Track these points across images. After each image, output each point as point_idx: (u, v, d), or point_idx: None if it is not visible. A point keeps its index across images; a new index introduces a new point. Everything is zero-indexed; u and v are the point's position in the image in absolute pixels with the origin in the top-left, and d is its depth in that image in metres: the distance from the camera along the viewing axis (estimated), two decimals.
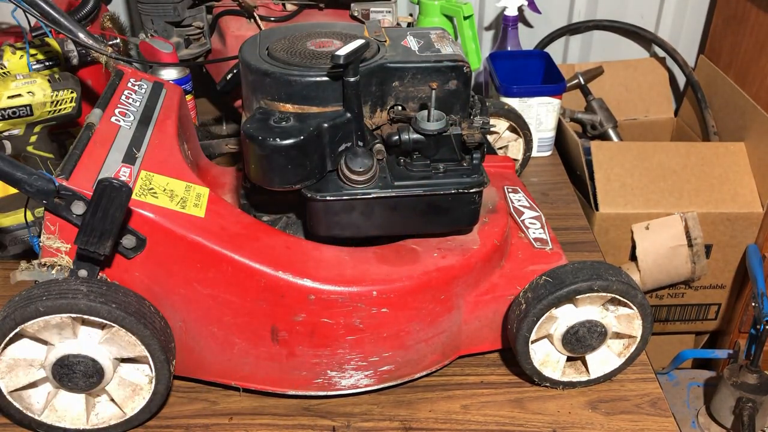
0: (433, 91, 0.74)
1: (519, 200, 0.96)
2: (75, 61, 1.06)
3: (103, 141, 0.76)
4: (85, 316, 0.68)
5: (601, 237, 1.35)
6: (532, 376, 0.82)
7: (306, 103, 0.76)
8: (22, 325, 0.68)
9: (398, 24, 1.29)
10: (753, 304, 1.24)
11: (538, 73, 1.41)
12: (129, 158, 0.75)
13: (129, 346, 0.71)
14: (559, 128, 1.37)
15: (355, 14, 1.26)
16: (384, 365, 0.79)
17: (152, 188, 0.73)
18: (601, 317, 0.79)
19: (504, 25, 1.48)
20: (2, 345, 0.69)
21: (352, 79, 0.73)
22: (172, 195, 0.74)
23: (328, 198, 0.75)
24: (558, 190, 1.24)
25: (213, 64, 1.30)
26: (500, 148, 1.19)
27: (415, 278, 0.76)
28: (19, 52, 1.00)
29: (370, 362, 0.78)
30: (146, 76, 0.94)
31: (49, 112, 0.95)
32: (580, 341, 0.79)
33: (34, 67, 1.02)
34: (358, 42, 0.72)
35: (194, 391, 0.83)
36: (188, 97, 1.17)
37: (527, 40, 1.64)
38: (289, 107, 0.76)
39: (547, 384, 0.83)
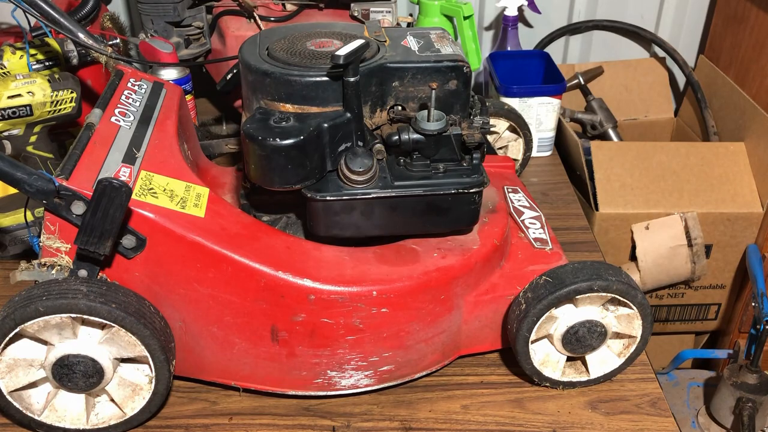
0: (433, 91, 0.74)
1: (519, 200, 0.96)
2: (75, 61, 1.06)
3: (103, 141, 0.76)
4: (85, 316, 0.68)
5: (601, 237, 1.35)
6: (532, 376, 0.82)
7: (306, 103, 0.76)
8: (22, 325, 0.68)
9: (398, 24, 1.29)
10: (753, 304, 1.24)
11: (538, 73, 1.41)
12: (129, 158, 0.75)
13: (129, 346, 0.71)
14: (559, 128, 1.37)
15: (355, 14, 1.26)
16: (384, 365, 0.79)
17: (152, 188, 0.73)
18: (601, 317, 0.79)
19: (504, 25, 1.48)
20: (2, 345, 0.69)
21: (352, 79, 0.73)
22: (172, 195, 0.74)
23: (328, 198, 0.75)
24: (558, 190, 1.24)
25: (213, 64, 1.30)
26: (500, 148, 1.19)
27: (415, 278, 0.76)
28: (19, 52, 1.00)
29: (370, 362, 0.78)
30: (146, 76, 0.94)
31: (49, 112, 0.95)
32: (580, 341, 0.79)
33: (34, 67, 1.02)
34: (358, 42, 0.72)
35: (194, 391, 0.83)
36: (188, 97, 1.17)
37: (527, 40, 1.64)
38: (289, 107, 0.76)
39: (547, 384, 0.83)
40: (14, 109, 0.92)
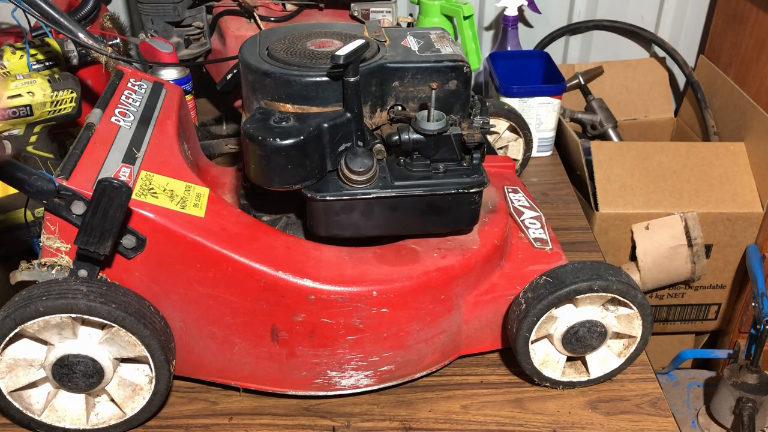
0: (433, 91, 0.74)
1: (519, 200, 0.96)
2: (75, 61, 1.06)
3: (103, 141, 0.76)
4: (85, 316, 0.68)
5: (601, 237, 1.35)
6: (532, 376, 0.82)
7: (306, 103, 0.76)
8: (22, 325, 0.68)
9: (398, 24, 1.29)
10: (753, 304, 1.24)
11: (538, 73, 1.41)
12: (129, 158, 0.75)
13: (129, 346, 0.71)
14: (559, 128, 1.37)
15: (355, 14, 1.26)
16: (384, 365, 0.79)
17: (152, 188, 0.73)
18: (601, 317, 0.79)
19: (504, 25, 1.49)
20: (2, 345, 0.69)
21: (352, 79, 0.73)
22: (172, 195, 0.74)
23: (328, 198, 0.75)
24: (558, 190, 1.24)
25: (213, 64, 1.30)
26: (500, 148, 1.19)
27: (415, 278, 0.76)
28: (19, 52, 1.00)
29: (370, 362, 0.78)
30: (146, 76, 0.94)
31: (49, 112, 0.95)
32: (580, 341, 0.79)
33: (34, 67, 1.02)
34: (358, 42, 0.72)
35: (194, 391, 0.83)
36: (188, 97, 1.17)
37: (527, 40, 1.64)
38: (289, 107, 0.76)
39: (547, 384, 0.83)
40: (14, 109, 0.92)
